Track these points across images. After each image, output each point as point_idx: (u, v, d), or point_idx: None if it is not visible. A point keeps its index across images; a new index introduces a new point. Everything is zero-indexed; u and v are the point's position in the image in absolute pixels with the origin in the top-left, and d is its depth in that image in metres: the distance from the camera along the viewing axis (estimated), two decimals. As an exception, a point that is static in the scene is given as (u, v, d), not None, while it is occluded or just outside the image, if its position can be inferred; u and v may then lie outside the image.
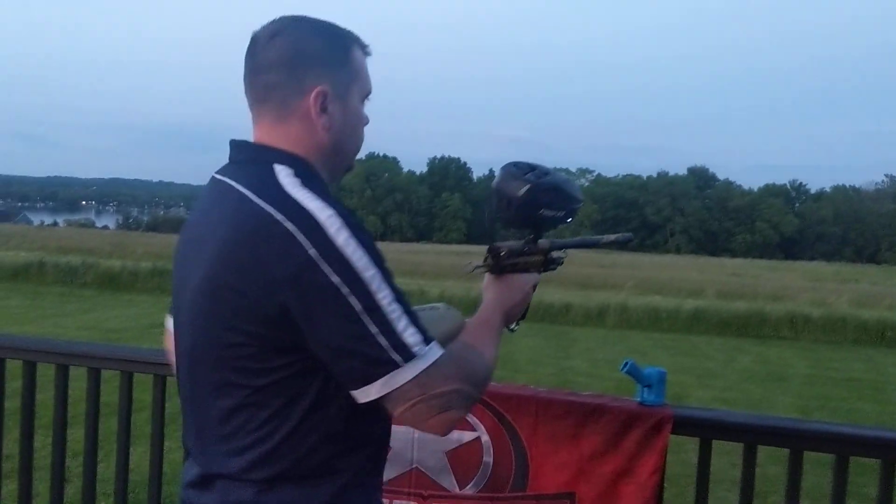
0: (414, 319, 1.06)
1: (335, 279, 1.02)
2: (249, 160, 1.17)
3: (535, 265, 1.44)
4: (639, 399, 2.04)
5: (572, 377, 9.14)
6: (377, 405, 1.07)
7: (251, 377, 1.08)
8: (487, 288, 1.39)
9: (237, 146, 1.20)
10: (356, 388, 1.05)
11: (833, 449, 2.00)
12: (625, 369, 2.03)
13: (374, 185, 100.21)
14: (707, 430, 2.06)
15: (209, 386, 1.13)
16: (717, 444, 2.05)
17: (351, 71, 1.21)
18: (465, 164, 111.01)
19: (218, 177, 1.17)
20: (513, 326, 1.43)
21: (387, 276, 1.06)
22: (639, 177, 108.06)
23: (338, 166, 1.24)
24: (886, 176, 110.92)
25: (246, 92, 1.21)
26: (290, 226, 1.03)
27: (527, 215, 1.39)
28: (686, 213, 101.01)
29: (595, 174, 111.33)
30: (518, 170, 1.40)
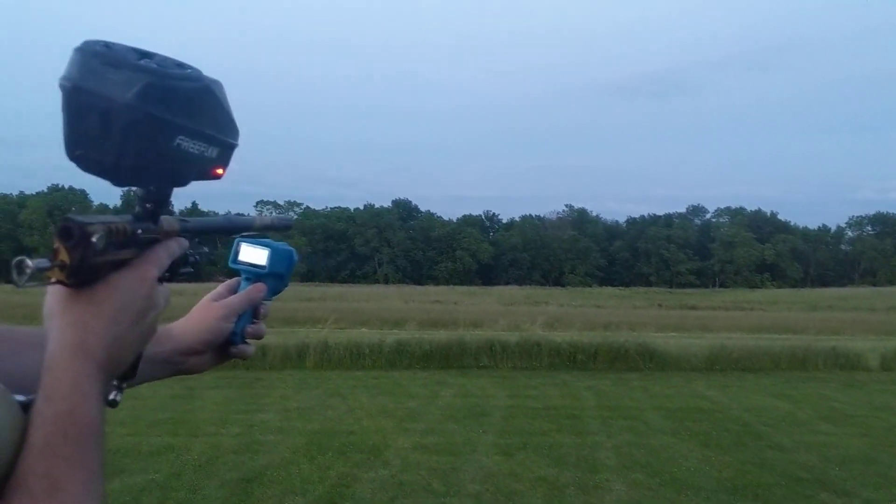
0: None
1: None
2: None
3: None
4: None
5: (261, 435, 7.91)
6: None
7: None
8: (57, 317, 0.70)
9: None
10: None
11: None
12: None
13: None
14: None
15: None
16: None
17: None
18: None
19: None
20: (113, 396, 0.74)
21: None
22: (346, 209, 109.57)
23: None
24: (566, 206, 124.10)
25: None
26: None
27: (144, 148, 0.69)
28: (392, 244, 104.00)
29: (304, 206, 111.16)
30: (117, 53, 0.69)
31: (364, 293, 48.59)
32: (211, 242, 0.90)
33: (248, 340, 1.01)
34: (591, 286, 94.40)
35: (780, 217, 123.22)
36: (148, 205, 0.76)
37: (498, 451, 7.34)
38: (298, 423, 8.49)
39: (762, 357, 14.58)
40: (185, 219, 0.83)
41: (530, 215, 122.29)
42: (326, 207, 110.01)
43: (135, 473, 6.32)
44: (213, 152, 0.75)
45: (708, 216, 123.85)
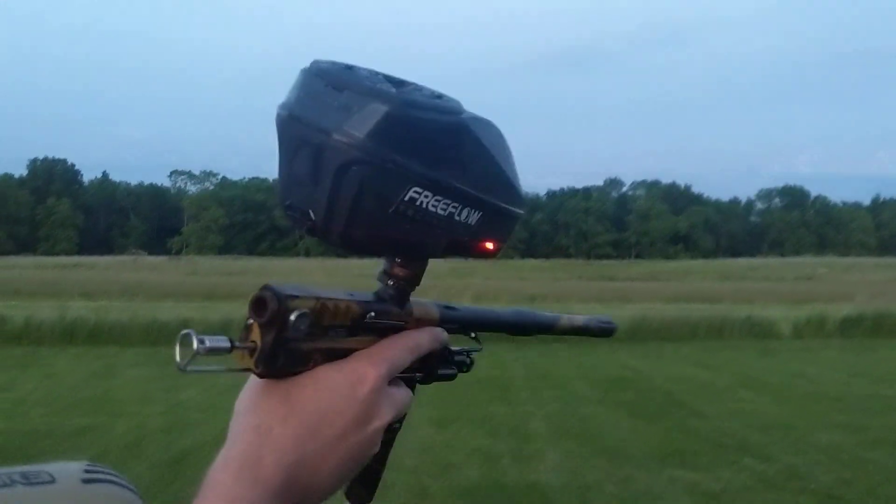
0: None
1: None
2: None
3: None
4: None
5: (184, 414, 7.73)
6: None
7: None
8: (242, 416, 0.55)
9: None
10: None
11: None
12: None
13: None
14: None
15: None
16: None
17: None
18: (73, 165, 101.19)
19: None
20: None
21: None
22: (265, 179, 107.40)
23: None
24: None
25: None
26: None
27: (363, 200, 0.54)
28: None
29: (220, 177, 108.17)
30: (351, 74, 0.55)
31: (286, 267, 47.98)
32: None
33: None
34: (513, 258, 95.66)
35: (693, 190, 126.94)
36: (390, 281, 0.61)
37: (432, 424, 7.35)
38: (225, 399, 8.27)
39: (681, 327, 15.03)
40: (452, 305, 0.67)
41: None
42: (244, 178, 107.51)
43: (56, 456, 6.06)
44: (469, 216, 0.58)
45: (625, 189, 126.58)
